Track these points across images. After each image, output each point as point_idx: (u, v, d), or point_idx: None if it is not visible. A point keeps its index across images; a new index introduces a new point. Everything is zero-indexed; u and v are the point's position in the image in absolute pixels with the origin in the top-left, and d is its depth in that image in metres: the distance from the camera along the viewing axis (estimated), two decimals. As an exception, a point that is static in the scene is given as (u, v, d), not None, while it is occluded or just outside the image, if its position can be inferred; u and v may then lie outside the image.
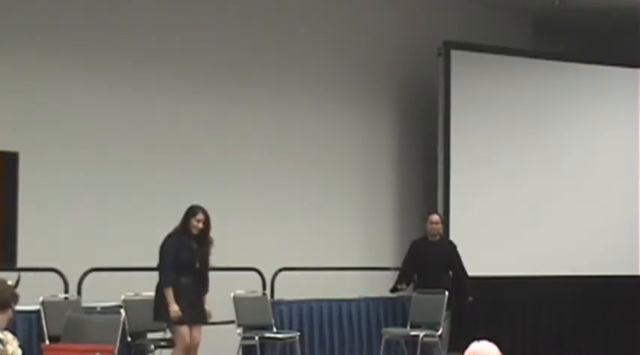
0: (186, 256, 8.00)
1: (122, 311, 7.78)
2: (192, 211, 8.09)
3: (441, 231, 10.38)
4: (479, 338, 4.09)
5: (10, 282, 5.30)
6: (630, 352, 11.87)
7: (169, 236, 8.04)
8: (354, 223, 11.22)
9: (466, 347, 4.03)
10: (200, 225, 8.05)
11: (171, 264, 7.93)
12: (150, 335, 8.46)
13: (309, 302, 9.91)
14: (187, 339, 7.95)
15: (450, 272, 10.21)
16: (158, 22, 9.75)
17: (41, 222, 8.63)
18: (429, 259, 10.12)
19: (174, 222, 8.02)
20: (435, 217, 10.36)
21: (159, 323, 8.14)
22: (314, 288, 10.04)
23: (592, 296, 11.90)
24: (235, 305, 9.01)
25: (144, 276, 8.68)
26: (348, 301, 10.21)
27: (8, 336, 5.26)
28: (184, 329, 7.94)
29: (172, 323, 7.94)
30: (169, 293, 7.87)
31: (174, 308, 7.83)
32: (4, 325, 5.27)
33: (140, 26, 9.62)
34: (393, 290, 10.27)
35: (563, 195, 11.83)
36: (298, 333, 9.33)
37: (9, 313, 5.28)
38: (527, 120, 11.73)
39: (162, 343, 8.36)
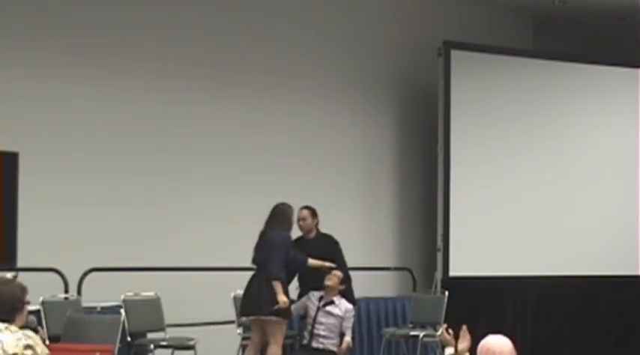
0: (293, 253, 8.31)
1: (122, 311, 7.78)
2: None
3: (315, 226, 8.83)
4: (484, 335, 4.09)
5: (9, 275, 5.25)
6: (630, 352, 11.88)
7: (285, 232, 8.29)
8: (354, 223, 11.20)
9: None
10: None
11: (284, 259, 8.16)
12: (150, 335, 8.46)
13: (309, 302, 9.90)
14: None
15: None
16: (158, 23, 9.74)
17: (41, 222, 8.62)
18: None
19: (173, 221, 8.01)
20: (303, 213, 8.79)
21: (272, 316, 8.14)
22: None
23: (592, 296, 11.90)
24: (235, 305, 9.00)
25: (144, 276, 8.68)
26: (348, 301, 10.20)
27: (35, 338, 5.19)
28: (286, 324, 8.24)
29: (286, 316, 8.15)
30: (278, 285, 8.05)
31: (284, 299, 8.02)
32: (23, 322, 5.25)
33: (140, 26, 9.62)
34: None
35: (563, 195, 11.82)
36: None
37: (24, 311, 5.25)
38: (527, 120, 11.72)
39: (162, 343, 8.36)
